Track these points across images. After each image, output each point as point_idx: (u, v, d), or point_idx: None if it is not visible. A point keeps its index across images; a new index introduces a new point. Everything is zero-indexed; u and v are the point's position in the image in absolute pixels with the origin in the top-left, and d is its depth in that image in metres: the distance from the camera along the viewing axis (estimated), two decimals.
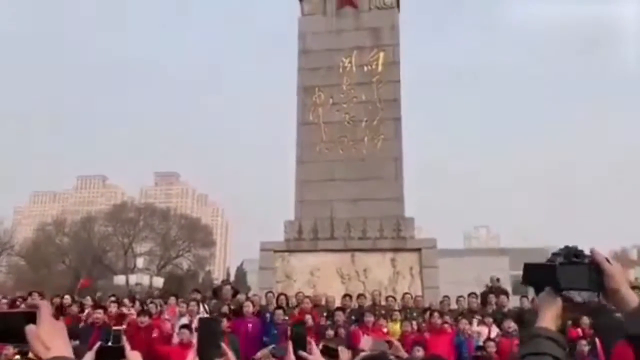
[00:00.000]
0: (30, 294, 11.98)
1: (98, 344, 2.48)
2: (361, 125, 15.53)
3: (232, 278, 52.64)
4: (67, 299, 12.17)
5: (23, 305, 11.16)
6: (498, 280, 13.67)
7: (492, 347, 8.27)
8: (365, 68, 15.90)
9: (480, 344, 8.71)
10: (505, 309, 11.10)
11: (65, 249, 49.45)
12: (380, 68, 15.87)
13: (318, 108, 15.94)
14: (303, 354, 2.03)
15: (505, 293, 12.30)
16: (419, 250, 14.22)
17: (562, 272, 1.54)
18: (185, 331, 8.67)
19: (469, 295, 11.87)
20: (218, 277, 63.19)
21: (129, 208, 56.27)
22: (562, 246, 1.61)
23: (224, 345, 2.04)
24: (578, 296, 1.55)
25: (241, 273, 54.58)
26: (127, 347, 2.49)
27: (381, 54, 15.94)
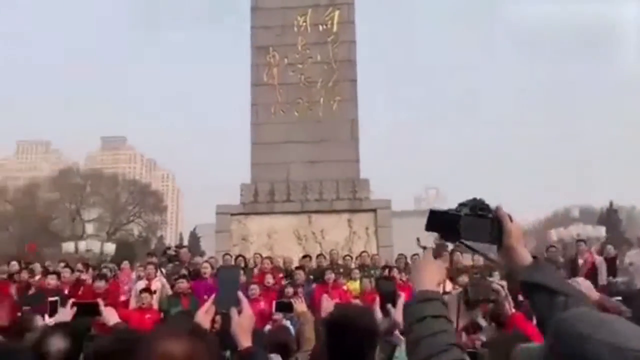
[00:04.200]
0: None
1: (71, 300, 2.42)
2: (316, 86, 15.37)
3: (185, 243, 52.24)
4: (14, 265, 11.71)
5: None
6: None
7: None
8: (321, 27, 15.63)
9: None
10: (459, 266, 11.46)
11: (8, 217, 47.46)
12: (335, 27, 15.64)
13: (272, 69, 15.63)
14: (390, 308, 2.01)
15: (458, 251, 12.69)
16: (374, 210, 14.45)
17: (466, 223, 1.59)
18: (146, 295, 8.51)
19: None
20: (171, 242, 62.43)
21: (74, 173, 54.34)
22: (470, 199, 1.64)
23: (240, 293, 2.00)
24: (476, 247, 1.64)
25: (195, 238, 54.15)
26: (102, 303, 2.45)
27: (336, 13, 15.68)
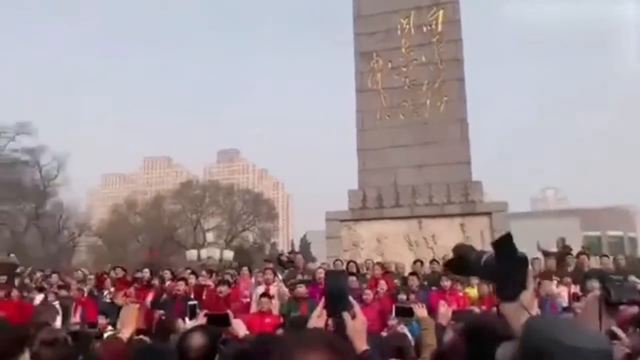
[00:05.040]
0: (114, 268, 12.74)
1: (204, 311, 2.60)
2: (422, 88, 15.13)
3: (296, 249, 53.70)
4: (146, 272, 12.75)
5: (108, 279, 11.86)
6: (564, 240, 13.20)
7: (580, 308, 7.99)
8: (425, 28, 15.38)
9: (565, 304, 8.43)
10: (586, 269, 10.67)
11: (138, 228, 51.90)
12: (440, 27, 15.32)
13: (377, 74, 15.64)
14: None
15: (585, 253, 11.84)
16: (489, 214, 13.85)
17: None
18: (266, 300, 8.87)
19: (546, 255, 11.51)
20: (283, 249, 64.55)
21: (195, 186, 58.17)
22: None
23: (351, 298, 2.04)
24: None
25: (305, 244, 55.49)
26: (231, 315, 2.59)
27: (440, 12, 15.36)
